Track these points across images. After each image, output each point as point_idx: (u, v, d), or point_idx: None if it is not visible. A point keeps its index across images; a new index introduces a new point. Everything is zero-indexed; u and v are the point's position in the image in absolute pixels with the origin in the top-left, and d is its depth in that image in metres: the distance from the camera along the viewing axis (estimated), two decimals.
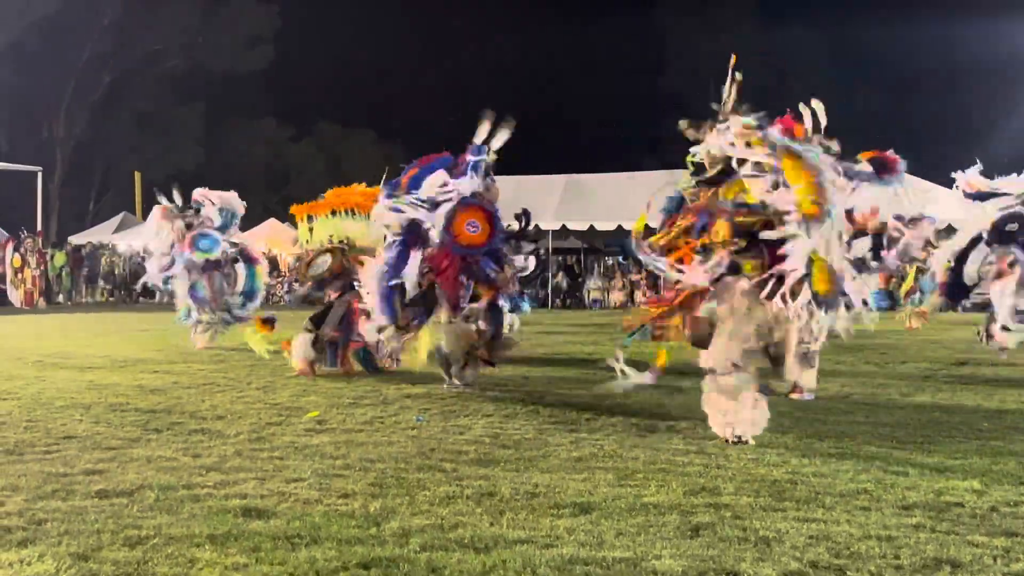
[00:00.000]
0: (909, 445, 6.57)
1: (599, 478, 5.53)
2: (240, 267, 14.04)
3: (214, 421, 7.44)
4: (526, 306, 12.40)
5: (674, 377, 10.74)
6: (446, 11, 58.91)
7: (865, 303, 6.66)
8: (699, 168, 6.97)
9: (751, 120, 6.60)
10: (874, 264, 8.09)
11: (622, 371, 7.12)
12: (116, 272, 34.66)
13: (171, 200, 14.12)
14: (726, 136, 6.64)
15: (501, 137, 9.19)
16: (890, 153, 6.93)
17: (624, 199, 34.51)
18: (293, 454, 6.16)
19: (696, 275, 6.80)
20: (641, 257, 7.17)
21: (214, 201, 14.00)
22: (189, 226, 13.86)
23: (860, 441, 6.67)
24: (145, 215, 19.15)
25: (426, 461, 5.97)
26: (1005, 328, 10.76)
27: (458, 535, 4.36)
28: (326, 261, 11.05)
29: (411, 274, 8.99)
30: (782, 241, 6.36)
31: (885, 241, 8.47)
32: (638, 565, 3.96)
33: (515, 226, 9.68)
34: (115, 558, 4.01)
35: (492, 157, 9.25)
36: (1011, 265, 10.68)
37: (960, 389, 9.60)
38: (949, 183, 11.53)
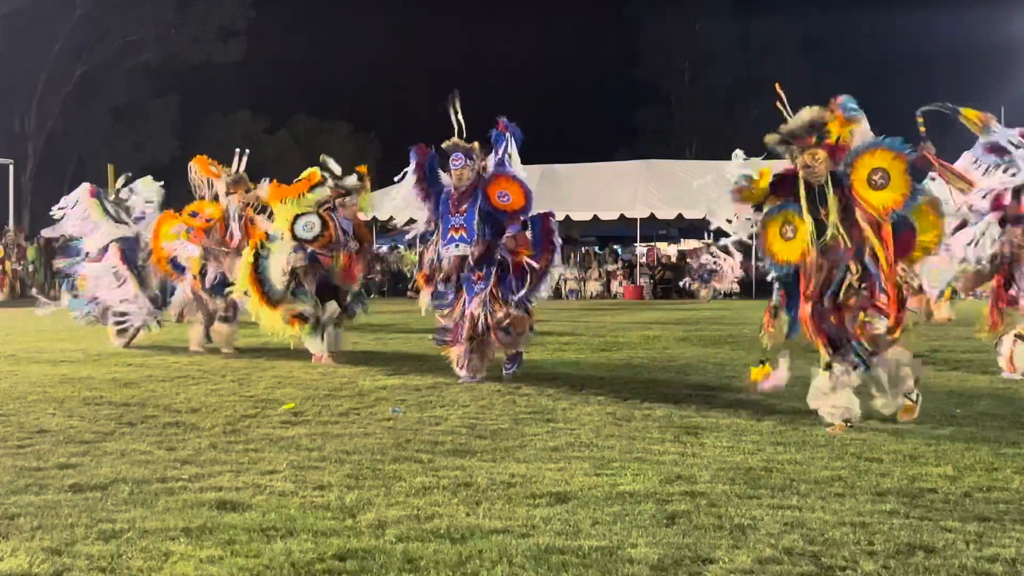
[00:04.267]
0: (883, 431, 6.61)
1: (575, 467, 5.53)
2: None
3: (188, 414, 7.41)
4: None
5: (650, 368, 10.80)
6: (420, 2, 58.81)
7: None
8: None
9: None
10: None
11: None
12: None
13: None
14: None
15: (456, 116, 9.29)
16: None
17: (600, 189, 34.63)
18: (268, 446, 6.14)
19: None
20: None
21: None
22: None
23: (834, 428, 6.70)
24: None
25: (402, 452, 5.96)
26: None
27: (434, 526, 4.35)
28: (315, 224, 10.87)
29: None
30: None
31: None
32: (614, 554, 3.97)
33: None
34: (89, 552, 3.98)
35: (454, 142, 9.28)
36: None
37: (933, 376, 9.66)
38: None
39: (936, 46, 51.14)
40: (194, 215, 12.33)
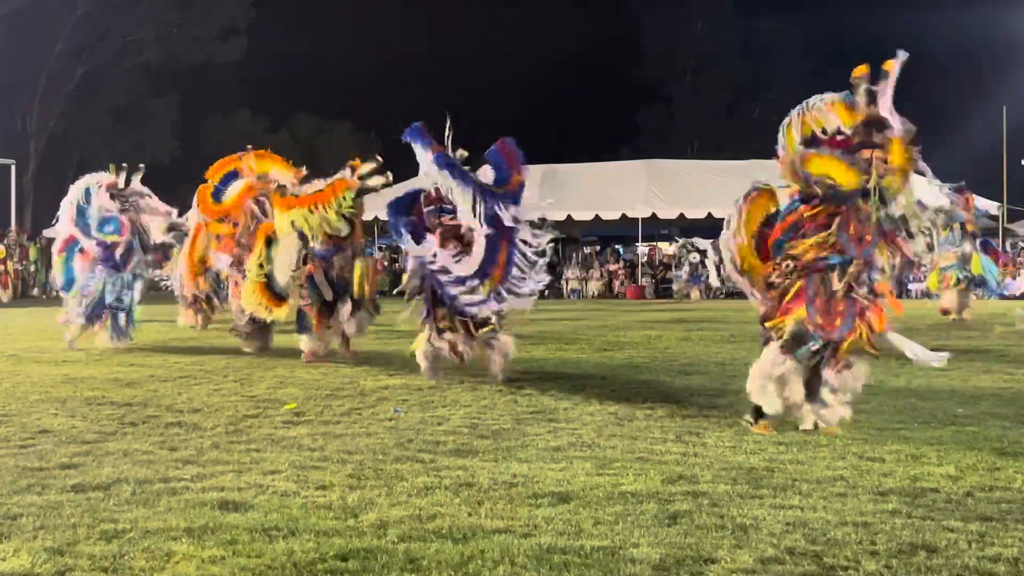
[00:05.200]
0: (885, 431, 6.61)
1: (577, 467, 5.53)
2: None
3: (191, 414, 7.41)
4: None
5: (652, 368, 10.80)
6: (421, 2, 58.81)
7: None
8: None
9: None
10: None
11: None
12: None
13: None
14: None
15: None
16: None
17: (601, 189, 34.64)
18: (270, 446, 6.14)
19: None
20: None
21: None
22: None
23: (836, 427, 6.70)
24: None
25: (404, 452, 5.96)
26: None
27: (436, 526, 4.35)
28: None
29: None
30: None
31: None
32: (616, 554, 3.97)
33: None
34: (91, 552, 3.98)
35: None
36: None
37: (936, 375, 9.66)
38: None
39: (936, 46, 51.05)
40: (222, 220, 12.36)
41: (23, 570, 3.80)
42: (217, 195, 12.39)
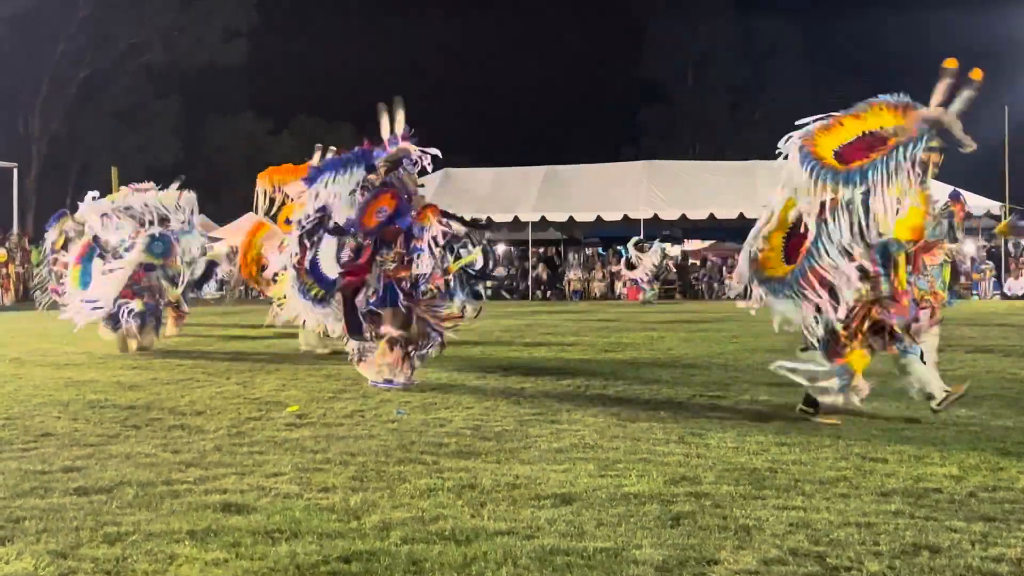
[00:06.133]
0: (888, 431, 6.61)
1: (580, 469, 5.53)
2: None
3: (193, 416, 7.41)
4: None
5: (654, 368, 10.80)
6: (423, 4, 58.84)
7: None
8: None
9: None
10: None
11: None
12: None
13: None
14: None
15: (399, 120, 9.28)
16: None
17: (603, 190, 34.67)
18: (273, 448, 6.14)
19: None
20: None
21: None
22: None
23: (839, 429, 6.70)
24: None
25: (407, 454, 5.96)
26: None
27: (439, 527, 4.35)
28: None
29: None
30: None
31: None
32: (619, 555, 3.97)
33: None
34: (94, 555, 3.98)
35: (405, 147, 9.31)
36: None
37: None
38: None
39: (936, 46, 51.10)
40: (289, 222, 12.31)
41: (26, 573, 3.80)
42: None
